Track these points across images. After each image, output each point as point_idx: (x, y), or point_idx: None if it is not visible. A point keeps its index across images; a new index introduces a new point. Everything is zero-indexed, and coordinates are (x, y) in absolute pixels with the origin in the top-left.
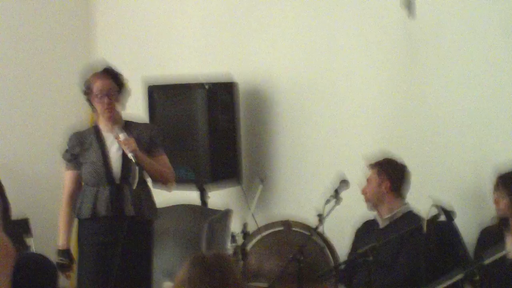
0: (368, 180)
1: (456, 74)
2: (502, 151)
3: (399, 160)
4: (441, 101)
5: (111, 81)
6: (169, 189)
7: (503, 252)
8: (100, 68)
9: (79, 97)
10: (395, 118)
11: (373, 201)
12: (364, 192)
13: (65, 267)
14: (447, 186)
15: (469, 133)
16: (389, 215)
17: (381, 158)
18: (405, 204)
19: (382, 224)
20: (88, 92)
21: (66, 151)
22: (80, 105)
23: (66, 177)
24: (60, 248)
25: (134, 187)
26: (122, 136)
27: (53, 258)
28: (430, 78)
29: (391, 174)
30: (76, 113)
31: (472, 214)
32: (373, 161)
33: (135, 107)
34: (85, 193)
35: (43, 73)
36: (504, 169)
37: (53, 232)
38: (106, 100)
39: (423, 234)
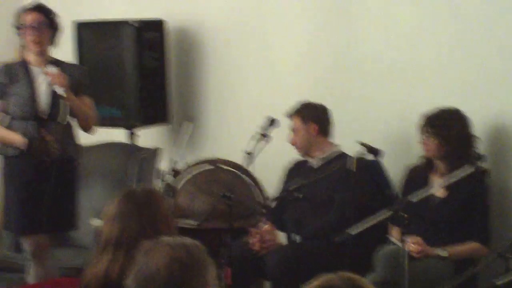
0: (294, 130)
1: (385, 23)
2: (426, 99)
3: (316, 102)
4: (370, 49)
5: (42, 16)
6: (89, 133)
7: (429, 191)
8: (32, 4)
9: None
10: (325, 64)
11: (305, 148)
12: (293, 142)
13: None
14: (375, 132)
15: (396, 80)
16: (322, 156)
17: (298, 105)
18: (337, 146)
19: (315, 164)
20: (18, 26)
21: None
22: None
23: None
24: (23, 144)
25: (65, 123)
26: (53, 69)
27: None
28: (361, 27)
29: (315, 117)
30: None
31: (398, 159)
32: (292, 110)
33: (63, 46)
34: (12, 128)
35: None
36: (430, 112)
37: None
38: (34, 33)
39: (353, 172)
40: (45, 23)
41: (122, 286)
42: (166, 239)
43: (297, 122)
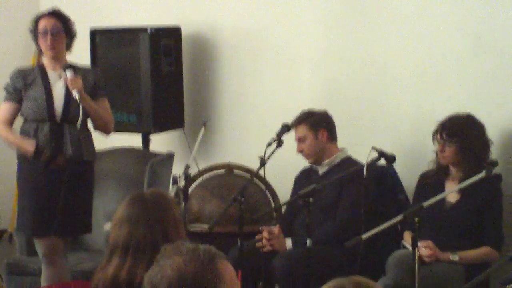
0: (300, 138)
1: (398, 31)
2: (438, 105)
3: (318, 110)
4: (383, 57)
5: (58, 22)
6: (106, 135)
7: (442, 195)
8: (48, 10)
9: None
10: (339, 71)
11: (315, 155)
12: (301, 150)
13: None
14: (387, 138)
15: (409, 87)
16: (327, 161)
17: (301, 114)
18: (342, 149)
19: (321, 170)
20: (34, 30)
21: (8, 84)
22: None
23: (3, 106)
24: (32, 152)
25: (78, 127)
26: (68, 73)
27: None
28: (375, 35)
29: (323, 123)
30: None
31: (410, 165)
32: (296, 120)
33: (80, 52)
34: (25, 130)
35: None
36: (445, 119)
37: None
38: (49, 38)
39: (364, 177)
40: (61, 29)
41: None
42: (185, 247)
43: (304, 130)
